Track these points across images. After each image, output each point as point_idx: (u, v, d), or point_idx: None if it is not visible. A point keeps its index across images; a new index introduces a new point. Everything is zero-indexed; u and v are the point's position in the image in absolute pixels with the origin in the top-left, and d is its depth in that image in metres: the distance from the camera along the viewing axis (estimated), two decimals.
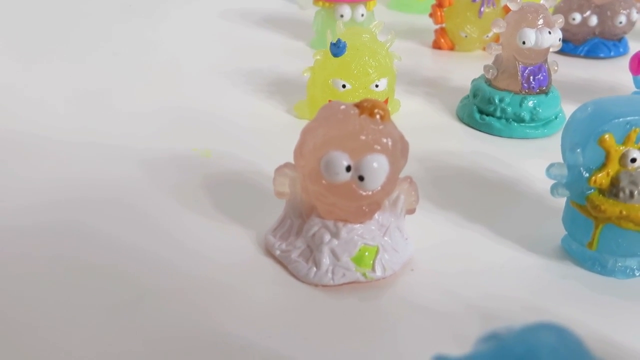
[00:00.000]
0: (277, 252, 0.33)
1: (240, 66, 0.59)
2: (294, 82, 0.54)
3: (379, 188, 0.30)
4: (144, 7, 0.79)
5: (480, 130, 0.48)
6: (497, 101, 0.47)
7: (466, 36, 0.63)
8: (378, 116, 0.30)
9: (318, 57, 0.47)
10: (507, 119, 0.47)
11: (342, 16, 0.61)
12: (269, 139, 0.46)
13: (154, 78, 0.57)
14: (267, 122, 0.49)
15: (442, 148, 0.46)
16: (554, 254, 0.35)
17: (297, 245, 0.32)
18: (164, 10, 0.78)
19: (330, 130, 0.30)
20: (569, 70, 0.59)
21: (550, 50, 0.47)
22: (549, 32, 0.45)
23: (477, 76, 0.51)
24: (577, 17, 0.63)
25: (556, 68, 0.48)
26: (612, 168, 0.31)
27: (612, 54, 0.64)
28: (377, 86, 0.46)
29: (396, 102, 0.50)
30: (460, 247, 0.35)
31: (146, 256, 0.34)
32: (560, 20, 0.47)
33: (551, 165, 0.32)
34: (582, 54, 0.64)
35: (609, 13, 0.62)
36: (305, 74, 0.48)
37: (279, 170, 0.33)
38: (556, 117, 0.48)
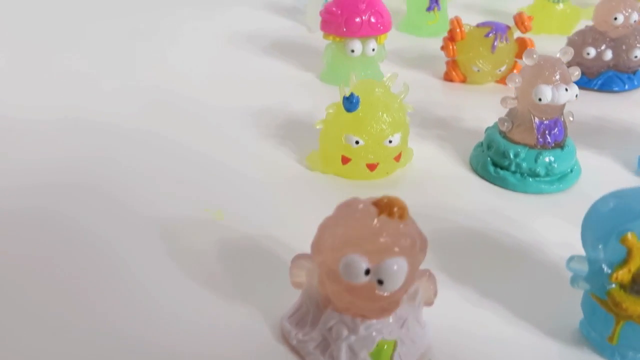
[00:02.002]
0: (294, 342, 0.33)
1: (250, 104, 0.58)
2: (304, 125, 0.54)
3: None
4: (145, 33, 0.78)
5: (494, 184, 0.48)
6: (512, 156, 0.47)
7: (478, 70, 0.62)
8: (397, 215, 0.29)
9: (331, 111, 0.47)
10: (522, 174, 0.47)
11: (352, 51, 0.60)
12: (281, 194, 0.46)
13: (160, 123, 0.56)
14: (278, 174, 0.48)
15: (454, 205, 0.45)
16: (571, 338, 0.34)
17: (314, 336, 0.32)
18: (171, 38, 0.77)
19: (348, 230, 0.29)
20: (582, 106, 0.58)
21: None
22: (566, 90, 0.45)
23: (489, 114, 0.50)
24: (592, 52, 0.61)
25: (571, 119, 0.48)
26: (634, 265, 0.31)
27: (626, 87, 0.63)
28: (390, 142, 0.46)
29: (409, 152, 0.50)
30: (476, 329, 0.35)
31: (151, 336, 0.33)
32: (576, 73, 0.46)
33: (571, 259, 0.32)
34: (595, 88, 0.63)
35: (624, 47, 0.61)
36: (317, 127, 0.48)
37: (295, 261, 0.32)
38: (571, 170, 0.48)
